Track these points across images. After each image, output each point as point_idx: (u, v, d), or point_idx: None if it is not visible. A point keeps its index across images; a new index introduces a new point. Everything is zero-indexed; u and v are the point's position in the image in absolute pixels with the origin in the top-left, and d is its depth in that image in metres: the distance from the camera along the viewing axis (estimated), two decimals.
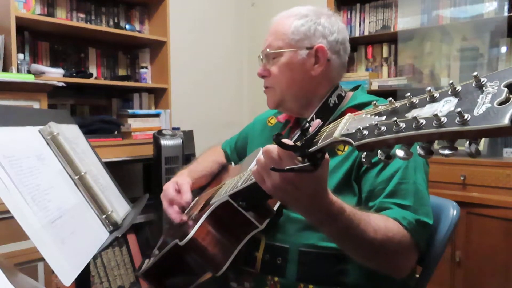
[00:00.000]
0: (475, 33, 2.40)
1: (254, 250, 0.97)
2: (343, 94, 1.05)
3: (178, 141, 2.34)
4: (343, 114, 1.01)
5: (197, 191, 1.22)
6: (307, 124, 0.97)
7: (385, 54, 2.80)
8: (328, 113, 1.00)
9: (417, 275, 1.00)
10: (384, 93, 2.62)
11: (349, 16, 2.87)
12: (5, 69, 2.02)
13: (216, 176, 1.26)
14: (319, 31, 1.02)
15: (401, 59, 2.69)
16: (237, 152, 1.32)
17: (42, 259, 1.43)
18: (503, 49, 2.32)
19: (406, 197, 0.87)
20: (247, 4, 3.63)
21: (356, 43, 2.87)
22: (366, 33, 2.81)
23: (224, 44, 3.50)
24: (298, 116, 1.11)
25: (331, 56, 1.02)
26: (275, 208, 0.92)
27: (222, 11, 3.48)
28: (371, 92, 1.06)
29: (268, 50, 1.04)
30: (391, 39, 2.72)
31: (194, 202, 1.19)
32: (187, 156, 2.36)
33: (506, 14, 2.25)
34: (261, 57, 1.07)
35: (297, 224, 0.94)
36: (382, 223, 0.80)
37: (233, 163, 1.27)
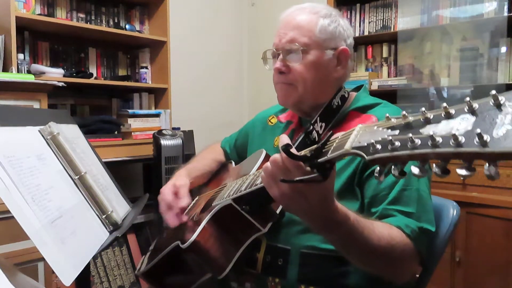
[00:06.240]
0: (475, 33, 2.40)
1: (255, 251, 0.97)
2: (346, 95, 1.03)
3: (178, 141, 2.34)
4: (346, 116, 1.01)
5: (196, 189, 1.22)
6: (311, 127, 0.97)
7: (385, 54, 2.80)
8: (332, 115, 0.99)
9: (417, 275, 1.00)
10: (384, 93, 2.62)
11: (349, 16, 2.87)
12: (5, 69, 2.02)
13: (216, 175, 1.26)
14: (341, 33, 1.02)
15: (401, 59, 2.69)
16: (237, 150, 1.31)
17: (42, 259, 1.43)
18: (503, 49, 2.32)
19: (409, 204, 0.86)
20: (247, 4, 3.63)
21: (356, 43, 2.84)
22: (366, 33, 2.81)
23: (224, 44, 3.50)
24: (304, 116, 1.09)
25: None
26: (278, 211, 0.92)
27: (222, 11, 3.48)
28: (371, 92, 1.06)
29: (293, 45, 0.98)
30: (391, 39, 2.72)
31: (194, 202, 1.18)
32: (187, 156, 2.36)
33: (506, 14, 2.25)
34: (276, 50, 1.02)
35: (298, 226, 0.93)
36: (386, 231, 0.79)
37: (233, 162, 1.27)
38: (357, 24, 2.84)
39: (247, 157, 1.18)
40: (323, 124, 0.97)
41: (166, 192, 1.08)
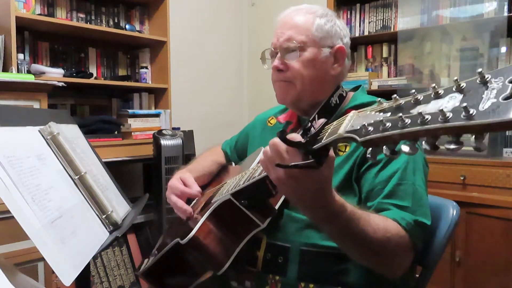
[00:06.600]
0: (475, 33, 2.40)
1: (256, 249, 0.97)
2: (344, 94, 1.05)
3: (178, 141, 2.34)
4: (344, 114, 1.02)
5: None
6: (309, 124, 0.97)
7: (385, 54, 2.80)
8: (330, 113, 1.00)
9: (417, 275, 1.00)
10: (384, 93, 2.62)
11: (349, 16, 2.87)
12: (5, 69, 2.02)
13: (216, 177, 1.26)
14: (337, 32, 1.04)
15: (401, 59, 2.69)
16: (237, 152, 1.32)
17: (42, 259, 1.43)
18: (503, 49, 2.33)
19: (405, 198, 0.87)
20: (247, 4, 3.63)
21: (356, 43, 2.87)
22: (366, 33, 2.81)
23: (224, 44, 3.50)
24: (303, 115, 1.10)
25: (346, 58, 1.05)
26: (276, 206, 0.93)
27: (222, 11, 3.48)
28: (371, 92, 1.07)
29: (290, 43, 1.00)
30: (391, 39, 2.72)
31: (195, 201, 1.19)
32: (187, 156, 2.36)
33: (506, 14, 2.25)
34: (274, 49, 1.04)
35: (298, 223, 0.94)
36: (382, 223, 0.80)
37: (233, 163, 1.27)
38: (357, 24, 2.84)
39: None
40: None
41: (175, 182, 1.10)
